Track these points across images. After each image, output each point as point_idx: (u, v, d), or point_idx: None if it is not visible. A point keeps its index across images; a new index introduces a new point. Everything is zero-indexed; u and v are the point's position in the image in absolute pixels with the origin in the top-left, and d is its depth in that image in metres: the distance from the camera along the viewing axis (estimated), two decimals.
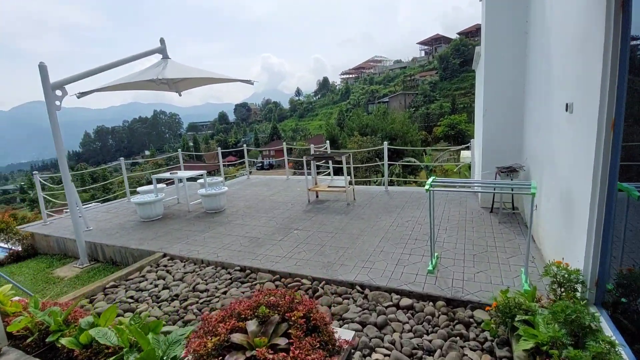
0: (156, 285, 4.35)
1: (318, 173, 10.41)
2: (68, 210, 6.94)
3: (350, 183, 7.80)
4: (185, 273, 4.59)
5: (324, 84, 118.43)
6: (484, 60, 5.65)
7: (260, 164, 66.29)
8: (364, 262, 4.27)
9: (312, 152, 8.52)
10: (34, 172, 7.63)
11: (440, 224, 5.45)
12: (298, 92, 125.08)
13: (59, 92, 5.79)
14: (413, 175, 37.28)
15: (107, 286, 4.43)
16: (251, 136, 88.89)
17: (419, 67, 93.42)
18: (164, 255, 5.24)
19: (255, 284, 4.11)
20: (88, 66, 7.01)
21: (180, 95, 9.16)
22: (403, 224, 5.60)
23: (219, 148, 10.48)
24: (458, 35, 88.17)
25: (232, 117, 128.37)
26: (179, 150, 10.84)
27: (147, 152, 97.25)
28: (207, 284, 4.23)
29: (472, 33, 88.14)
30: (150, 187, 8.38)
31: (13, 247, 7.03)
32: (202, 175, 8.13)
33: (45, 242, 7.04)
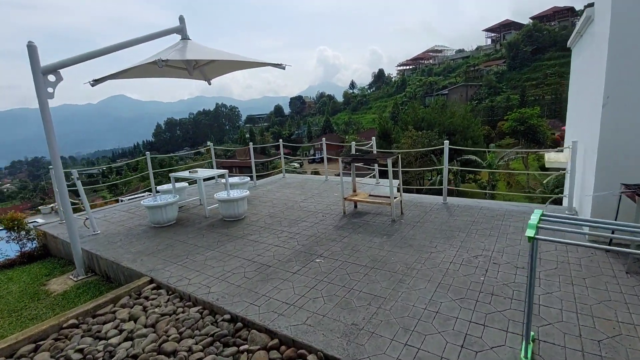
0: (121, 331, 3.24)
1: (361, 175, 8.89)
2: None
3: (398, 190, 6.21)
4: (162, 315, 3.43)
5: (379, 76, 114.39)
6: (611, 19, 3.69)
7: (312, 157, 66.04)
8: (408, 332, 2.74)
9: (352, 150, 7.02)
10: (54, 167, 7.08)
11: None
12: (352, 85, 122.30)
13: (52, 78, 4.95)
14: (472, 175, 33.70)
15: (65, 325, 3.41)
16: (304, 129, 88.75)
17: (484, 56, 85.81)
18: (151, 282, 4.16)
19: (242, 351, 2.79)
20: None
21: (209, 83, 8.21)
22: (470, 261, 3.91)
23: (251, 143, 9.40)
24: (531, 20, 79.22)
25: (287, 110, 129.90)
26: (211, 144, 9.98)
27: (208, 143, 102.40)
28: (180, 340, 3.01)
29: (549, 17, 78.58)
30: (170, 186, 7.50)
31: (22, 249, 6.54)
32: (223, 174, 7.06)
33: (54, 244, 6.45)
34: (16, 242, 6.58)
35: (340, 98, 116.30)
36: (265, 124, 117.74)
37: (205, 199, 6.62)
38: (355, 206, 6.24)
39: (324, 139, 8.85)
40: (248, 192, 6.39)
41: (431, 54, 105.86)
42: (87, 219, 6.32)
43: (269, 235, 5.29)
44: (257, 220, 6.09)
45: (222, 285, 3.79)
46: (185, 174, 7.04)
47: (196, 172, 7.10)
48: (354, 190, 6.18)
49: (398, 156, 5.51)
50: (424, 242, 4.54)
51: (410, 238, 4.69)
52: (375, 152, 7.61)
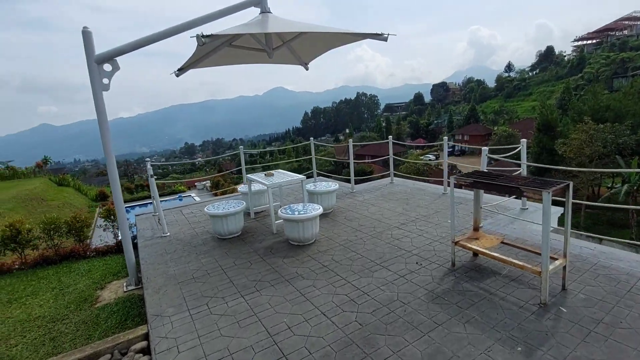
0: None
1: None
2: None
3: (556, 228, 3.58)
4: None
5: (546, 55, 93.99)
6: None
7: (450, 149, 59.65)
8: None
9: (482, 164, 4.52)
10: (147, 159, 7.05)
11: None
12: (509, 68, 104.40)
13: (107, 67, 4.35)
14: None
15: None
16: (445, 118, 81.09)
17: None
18: (145, 337, 3.06)
19: None
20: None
21: (307, 68, 6.98)
22: None
23: (350, 140, 7.72)
24: None
25: (428, 98, 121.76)
26: (311, 139, 8.76)
27: (347, 131, 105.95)
28: None
29: None
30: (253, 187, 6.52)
31: (116, 238, 6.69)
32: (301, 180, 5.65)
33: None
34: (111, 230, 6.77)
35: (492, 83, 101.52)
36: (403, 112, 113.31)
37: (273, 213, 5.35)
38: (475, 255, 3.89)
39: (445, 137, 6.46)
40: (321, 209, 4.78)
41: (627, 22, 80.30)
42: (159, 219, 5.92)
43: (325, 285, 3.58)
44: (325, 252, 4.44)
45: None
46: (260, 176, 5.93)
47: (272, 175, 5.91)
48: (475, 229, 3.82)
49: (568, 185, 2.93)
50: None
51: None
52: (523, 168, 4.80)
